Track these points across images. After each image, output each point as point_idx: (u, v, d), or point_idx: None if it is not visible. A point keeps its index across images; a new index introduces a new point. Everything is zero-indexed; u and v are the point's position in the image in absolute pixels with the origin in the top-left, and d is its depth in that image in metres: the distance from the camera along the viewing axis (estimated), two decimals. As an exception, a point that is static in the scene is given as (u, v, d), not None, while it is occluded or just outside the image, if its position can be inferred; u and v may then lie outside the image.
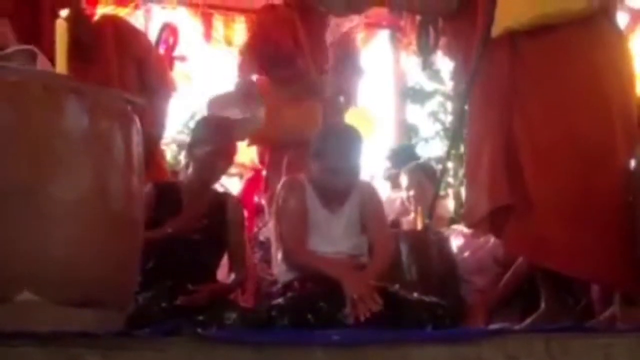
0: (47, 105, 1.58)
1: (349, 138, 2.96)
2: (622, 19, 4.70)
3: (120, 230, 1.66)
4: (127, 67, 3.55)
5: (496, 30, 2.75)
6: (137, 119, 1.75)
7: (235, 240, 3.16)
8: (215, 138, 3.07)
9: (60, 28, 1.65)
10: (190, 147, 3.14)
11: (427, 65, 4.82)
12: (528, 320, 2.81)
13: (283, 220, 2.93)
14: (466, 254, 3.82)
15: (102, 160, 1.64)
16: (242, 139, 3.86)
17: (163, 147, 4.24)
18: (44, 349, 1.39)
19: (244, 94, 3.86)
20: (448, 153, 4.01)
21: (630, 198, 2.41)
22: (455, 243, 3.85)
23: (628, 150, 2.57)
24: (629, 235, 2.40)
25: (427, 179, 4.38)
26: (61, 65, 1.63)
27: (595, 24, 2.72)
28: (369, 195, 3.01)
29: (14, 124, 1.56)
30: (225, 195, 3.33)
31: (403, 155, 4.97)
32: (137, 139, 1.73)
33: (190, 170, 3.12)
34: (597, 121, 2.61)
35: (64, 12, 1.68)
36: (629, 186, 2.44)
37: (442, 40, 3.95)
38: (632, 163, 2.44)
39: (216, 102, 3.86)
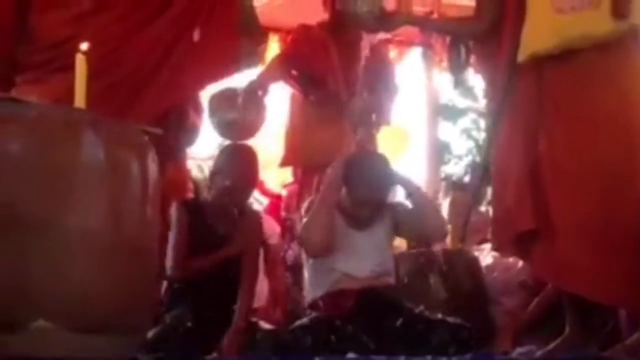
0: (66, 138, 1.64)
1: (379, 171, 2.98)
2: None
3: (135, 259, 1.71)
4: None
5: (522, 55, 2.75)
6: (153, 149, 1.80)
7: (246, 251, 3.14)
8: (236, 170, 3.12)
9: (80, 62, 1.71)
10: (212, 175, 3.19)
11: (459, 83, 4.80)
12: (552, 345, 2.79)
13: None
14: (495, 274, 3.80)
15: (118, 191, 1.69)
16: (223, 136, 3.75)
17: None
18: (56, 375, 1.43)
19: (247, 97, 3.66)
20: (482, 174, 3.99)
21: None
22: (484, 263, 3.83)
23: (654, 176, 2.54)
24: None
25: (460, 198, 4.38)
26: (80, 98, 1.69)
27: (621, 47, 2.70)
28: (403, 213, 3.03)
29: (34, 157, 1.61)
30: (247, 210, 3.35)
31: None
32: (152, 168, 1.78)
33: (212, 194, 3.17)
34: (621, 147, 2.58)
35: (84, 46, 1.72)
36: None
37: (474, 58, 3.95)
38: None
39: (217, 98, 3.60)
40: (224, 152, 3.31)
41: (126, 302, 1.68)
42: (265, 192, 5.26)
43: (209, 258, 3.04)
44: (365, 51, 4.16)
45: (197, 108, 3.91)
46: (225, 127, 3.59)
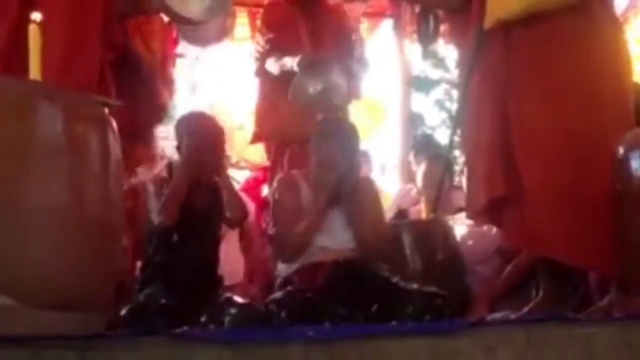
0: (20, 111, 1.60)
1: (341, 132, 2.97)
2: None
3: (97, 235, 1.68)
4: None
5: (488, 21, 2.75)
6: (113, 122, 1.76)
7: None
8: (199, 134, 3.05)
9: (34, 33, 1.66)
10: (178, 147, 3.14)
11: (428, 55, 4.78)
12: (526, 308, 2.81)
13: (277, 218, 2.95)
14: (470, 242, 3.81)
15: (77, 165, 1.65)
16: (334, 108, 3.81)
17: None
18: (19, 351, 1.41)
19: (308, 68, 3.78)
20: (450, 143, 4.00)
21: (617, 186, 2.40)
22: (459, 232, 3.84)
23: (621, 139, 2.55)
24: (619, 223, 2.39)
25: (434, 168, 4.37)
26: (35, 70, 1.65)
27: (588, 11, 2.70)
28: (367, 190, 3.01)
29: (-13, 132, 1.58)
30: (218, 184, 3.31)
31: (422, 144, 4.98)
32: (114, 142, 1.74)
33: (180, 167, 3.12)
34: (589, 110, 2.59)
35: (37, 16, 1.68)
36: (617, 174, 2.42)
37: (445, 28, 3.94)
38: (621, 151, 2.41)
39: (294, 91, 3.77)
40: (183, 120, 3.23)
41: (90, 278, 1.66)
42: (252, 165, 5.26)
43: (171, 187, 2.99)
44: (337, 25, 4.14)
45: (169, 86, 3.88)
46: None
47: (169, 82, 3.89)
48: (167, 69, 3.86)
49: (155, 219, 2.97)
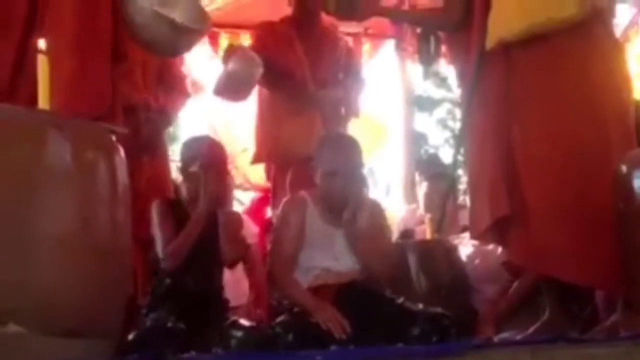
0: (30, 140, 1.62)
1: (343, 142, 3.00)
2: (626, 13, 4.70)
3: (106, 261, 1.69)
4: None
5: (490, 42, 2.76)
6: (121, 149, 1.78)
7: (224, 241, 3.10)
8: (215, 165, 3.06)
9: (42, 63, 1.69)
10: (184, 169, 3.14)
11: (429, 75, 4.81)
12: (532, 329, 2.81)
13: (276, 240, 2.96)
14: (476, 262, 3.81)
15: (85, 192, 1.67)
16: (240, 92, 3.89)
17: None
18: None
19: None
20: (455, 163, 4.02)
21: (620, 205, 2.41)
22: (465, 252, 3.85)
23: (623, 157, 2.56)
24: (622, 242, 2.40)
25: (437, 188, 4.39)
26: (43, 99, 1.67)
27: (588, 31, 2.72)
28: (374, 213, 3.00)
29: (-3, 159, 1.59)
30: (227, 210, 3.31)
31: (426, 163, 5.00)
32: (121, 168, 1.76)
33: (187, 191, 3.12)
34: (591, 129, 2.60)
35: (43, 44, 1.70)
36: (620, 192, 2.43)
37: (445, 48, 3.96)
38: (623, 170, 2.43)
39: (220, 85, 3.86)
40: (190, 143, 3.24)
41: (98, 304, 1.67)
42: (256, 187, 5.27)
43: (186, 231, 3.00)
44: (333, 45, 4.17)
45: (177, 87, 3.82)
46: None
47: (176, 84, 3.80)
48: (171, 70, 3.74)
49: (162, 259, 2.99)
